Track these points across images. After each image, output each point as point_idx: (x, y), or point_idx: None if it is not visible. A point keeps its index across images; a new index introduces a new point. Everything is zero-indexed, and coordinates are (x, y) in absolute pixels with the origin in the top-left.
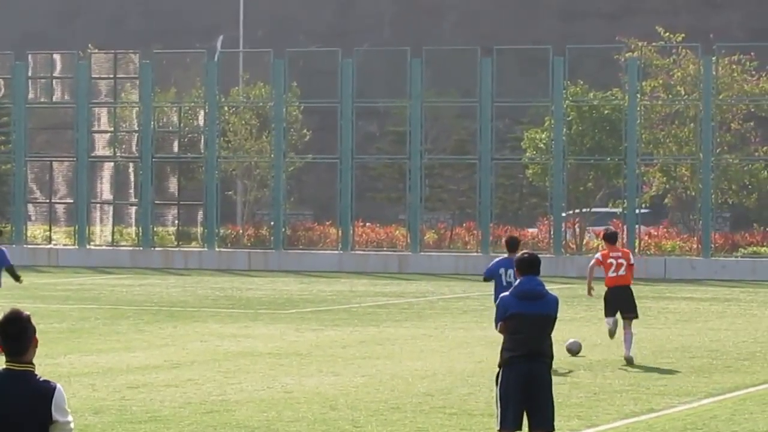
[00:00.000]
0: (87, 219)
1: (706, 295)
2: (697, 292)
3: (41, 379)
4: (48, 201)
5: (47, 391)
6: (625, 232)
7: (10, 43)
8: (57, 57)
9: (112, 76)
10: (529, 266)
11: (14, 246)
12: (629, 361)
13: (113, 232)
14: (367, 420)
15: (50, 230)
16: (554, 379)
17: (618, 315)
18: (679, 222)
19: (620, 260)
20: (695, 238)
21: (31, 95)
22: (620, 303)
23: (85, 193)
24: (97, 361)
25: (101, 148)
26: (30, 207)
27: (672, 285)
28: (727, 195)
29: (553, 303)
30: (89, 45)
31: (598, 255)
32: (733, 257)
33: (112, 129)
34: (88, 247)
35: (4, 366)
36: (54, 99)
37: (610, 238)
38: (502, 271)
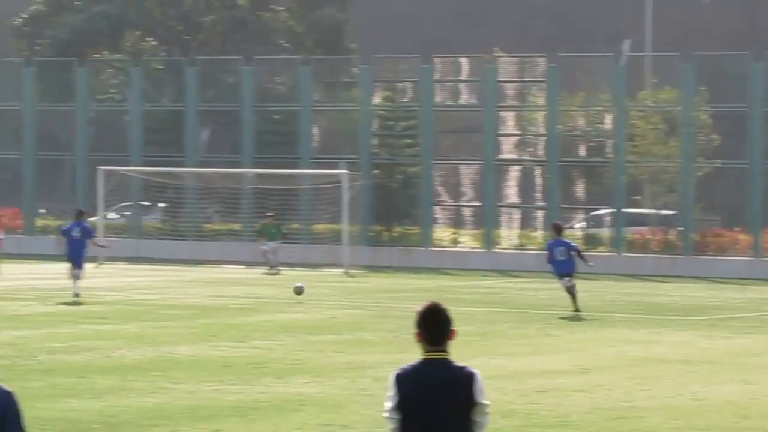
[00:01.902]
0: (494, 222)
1: None
2: None
3: (459, 365)
4: (455, 204)
5: (468, 375)
6: None
7: (416, 46)
8: (463, 60)
9: (518, 79)
10: None
11: (421, 248)
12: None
13: (520, 236)
14: None
15: (457, 233)
16: None
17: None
18: None
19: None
20: None
21: (437, 98)
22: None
23: (491, 196)
24: (506, 365)
25: (507, 151)
26: (437, 210)
27: None
28: None
29: None
30: (495, 48)
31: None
32: None
33: (519, 132)
34: (494, 250)
35: (424, 356)
36: (460, 102)
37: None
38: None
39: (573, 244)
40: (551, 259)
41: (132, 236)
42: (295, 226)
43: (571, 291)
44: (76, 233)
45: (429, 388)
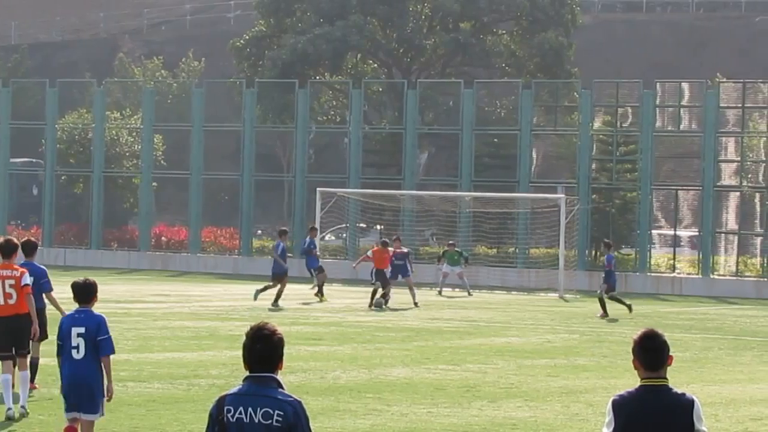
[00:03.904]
0: (711, 248)
1: None
2: None
3: (678, 391)
4: (673, 230)
5: (689, 402)
6: None
7: (637, 72)
8: (685, 86)
9: (740, 105)
10: None
11: (637, 274)
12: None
13: (737, 263)
14: None
15: (674, 259)
16: None
17: None
18: None
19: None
20: None
21: (658, 123)
22: None
23: (710, 222)
24: (721, 392)
25: (727, 177)
26: (654, 235)
27: None
28: None
29: None
30: (717, 74)
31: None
32: None
33: (739, 159)
34: (711, 276)
35: (642, 382)
36: (681, 127)
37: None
38: None
39: None
40: None
41: (348, 258)
42: (510, 249)
43: None
44: None
45: (648, 414)
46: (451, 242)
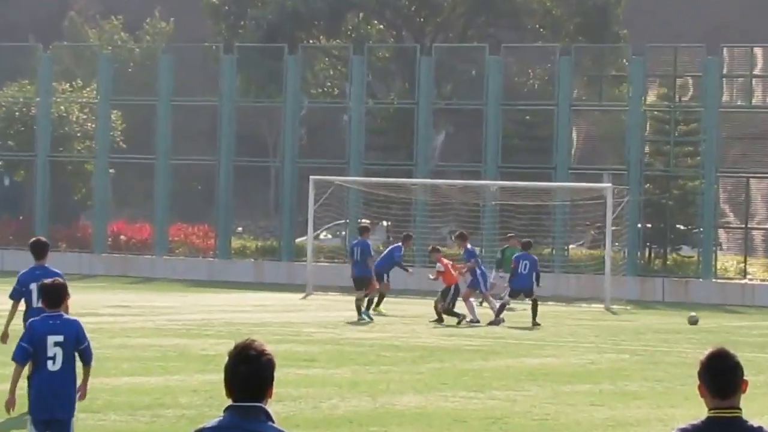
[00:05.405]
0: None
1: None
2: None
3: (755, 425)
4: (743, 226)
5: None
6: None
7: (700, 34)
8: (757, 51)
9: None
10: None
11: (700, 280)
12: None
13: None
14: None
15: (745, 262)
16: None
17: None
18: None
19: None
20: None
21: (725, 97)
22: None
23: None
24: None
25: None
26: (721, 233)
27: None
28: None
29: None
30: None
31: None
32: None
33: None
34: None
35: (710, 413)
36: (752, 102)
37: None
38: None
39: None
40: None
41: (347, 261)
42: (546, 251)
43: None
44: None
45: None
46: (510, 234)
